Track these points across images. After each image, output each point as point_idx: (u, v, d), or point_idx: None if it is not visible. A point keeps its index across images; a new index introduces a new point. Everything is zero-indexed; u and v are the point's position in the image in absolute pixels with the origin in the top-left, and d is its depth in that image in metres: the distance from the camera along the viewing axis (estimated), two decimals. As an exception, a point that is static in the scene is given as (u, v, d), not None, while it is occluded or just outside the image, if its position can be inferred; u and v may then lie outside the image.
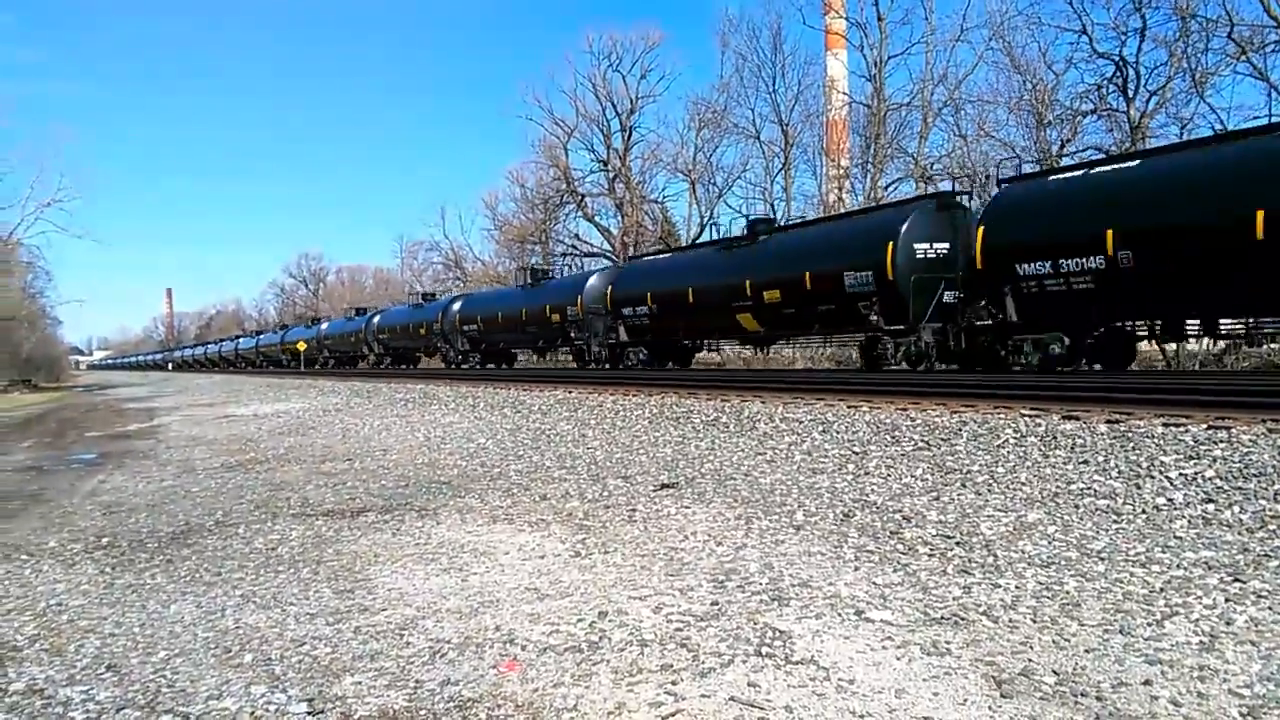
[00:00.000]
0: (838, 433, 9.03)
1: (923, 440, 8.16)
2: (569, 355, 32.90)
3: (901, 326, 17.64)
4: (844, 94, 42.08)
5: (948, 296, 17.13)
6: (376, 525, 6.44)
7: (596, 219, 52.96)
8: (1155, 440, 6.91)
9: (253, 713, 3.14)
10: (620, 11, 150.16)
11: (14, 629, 4.28)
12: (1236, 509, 5.33)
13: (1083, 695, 3.01)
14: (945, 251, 17.31)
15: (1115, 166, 14.87)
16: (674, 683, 3.25)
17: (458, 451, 10.64)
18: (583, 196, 52.55)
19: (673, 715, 3.01)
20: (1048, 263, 14.55)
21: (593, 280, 28.70)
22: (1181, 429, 7.15)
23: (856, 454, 8.05)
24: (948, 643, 3.54)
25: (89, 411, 27.11)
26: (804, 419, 10.00)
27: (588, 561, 5.09)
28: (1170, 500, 5.64)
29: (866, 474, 7.28)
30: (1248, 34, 25.14)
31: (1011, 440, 7.64)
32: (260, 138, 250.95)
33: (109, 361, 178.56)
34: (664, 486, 7.35)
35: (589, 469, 8.53)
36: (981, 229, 15.79)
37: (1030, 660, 3.33)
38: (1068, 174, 15.75)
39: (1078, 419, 8.03)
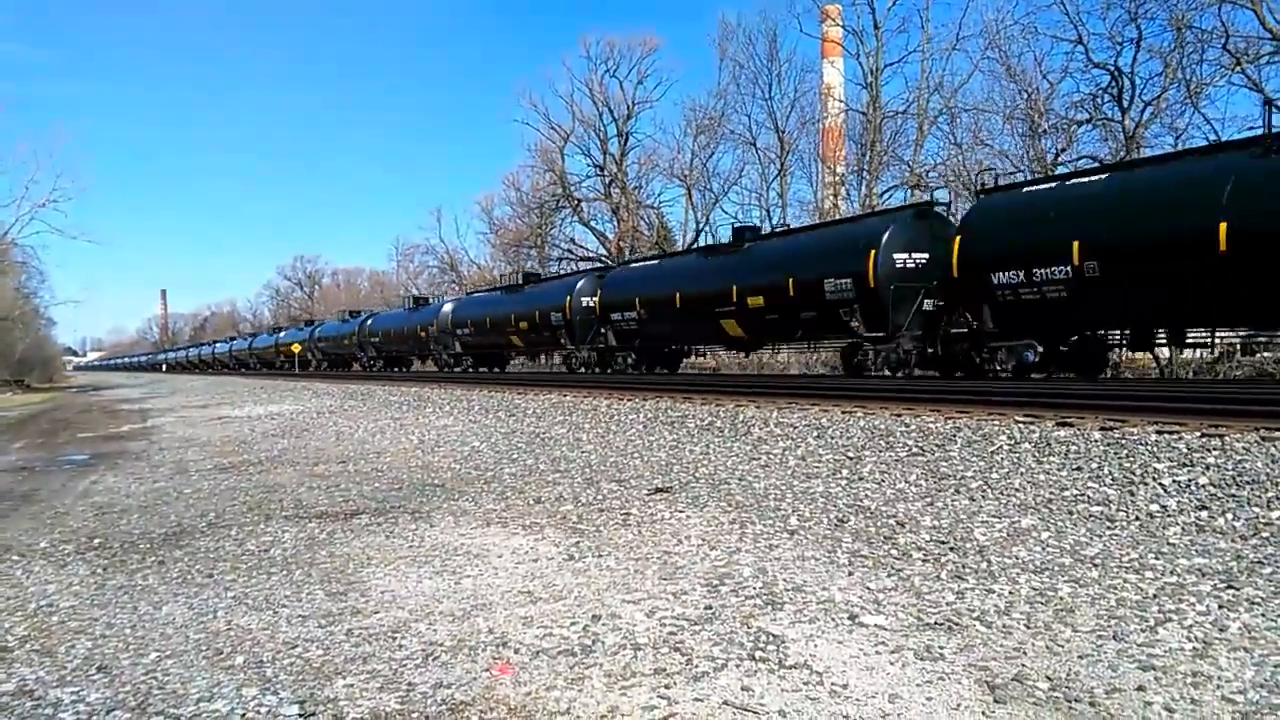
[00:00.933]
0: (832, 438, 9.03)
1: (917, 446, 8.16)
2: (559, 360, 32.83)
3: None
4: (840, 101, 42.22)
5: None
6: (370, 528, 6.42)
7: (592, 224, 53.02)
8: (1149, 447, 6.92)
9: (244, 715, 3.12)
10: (618, 17, 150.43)
11: (4, 630, 4.26)
12: (1230, 516, 5.34)
13: (1076, 701, 3.01)
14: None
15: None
16: (667, 686, 3.24)
17: (451, 454, 10.62)
18: (579, 201, 52.59)
19: (666, 719, 3.00)
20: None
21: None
22: (1175, 436, 7.16)
23: (851, 459, 8.05)
24: (941, 648, 3.53)
25: (82, 412, 27.03)
26: (798, 424, 10.00)
27: (581, 565, 5.08)
28: (1164, 507, 5.65)
29: (861, 479, 7.28)
30: (1243, 45, 25.24)
31: (1005, 446, 7.64)
32: (256, 140, 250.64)
33: (103, 363, 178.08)
34: (658, 490, 7.35)
35: (583, 472, 8.52)
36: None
37: (1024, 666, 3.33)
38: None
39: (1072, 426, 8.05)
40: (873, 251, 17.58)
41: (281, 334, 67.40)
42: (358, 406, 19.76)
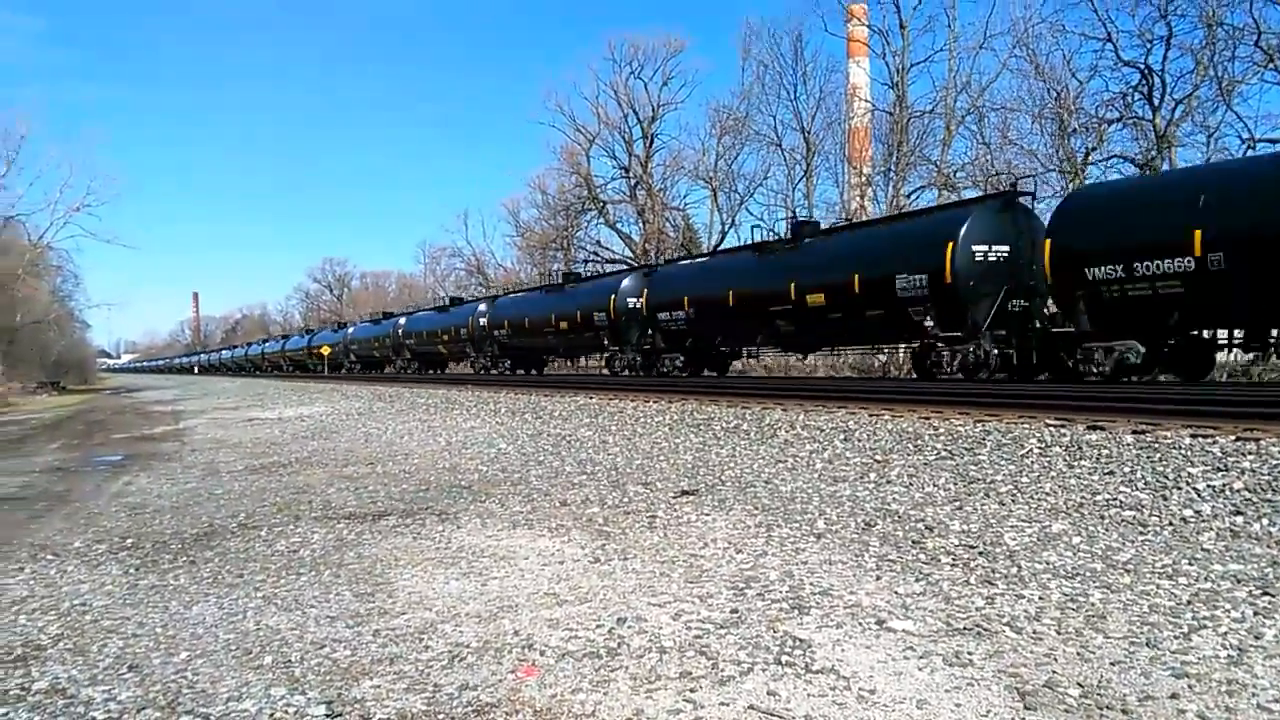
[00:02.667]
0: (859, 441, 8.98)
1: (946, 449, 8.10)
2: (600, 361, 32.43)
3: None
4: (866, 101, 41.99)
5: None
6: (397, 529, 6.45)
7: (618, 226, 53.05)
8: (1182, 451, 6.83)
9: (272, 714, 3.15)
10: (643, 18, 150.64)
11: (38, 628, 4.32)
12: (1265, 521, 5.25)
13: (1108, 708, 2.97)
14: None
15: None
16: (693, 690, 3.23)
17: (479, 456, 10.66)
18: (604, 203, 52.67)
19: (691, 723, 2.99)
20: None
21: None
22: (1209, 440, 7.05)
23: (878, 462, 8.00)
24: (970, 653, 3.50)
25: (115, 414, 27.40)
26: (825, 426, 9.95)
27: (607, 567, 5.08)
28: (1198, 512, 5.57)
29: (888, 483, 7.23)
30: (1275, 42, 24.87)
31: (1036, 450, 7.56)
32: (286, 144, 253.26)
33: (136, 365, 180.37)
34: (684, 493, 7.34)
35: (609, 475, 8.52)
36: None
37: (1054, 672, 3.29)
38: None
39: (1103, 429, 7.95)
40: (950, 245, 16.38)
41: (313, 336, 67.36)
42: (386, 409, 19.89)
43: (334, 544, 6.02)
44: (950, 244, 16.48)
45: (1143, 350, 14.28)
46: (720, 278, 23.62)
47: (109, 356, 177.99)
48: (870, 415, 10.39)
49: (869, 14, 41.01)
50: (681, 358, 25.55)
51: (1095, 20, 29.19)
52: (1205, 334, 14.86)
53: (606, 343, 28.58)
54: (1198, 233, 12.80)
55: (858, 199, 40.06)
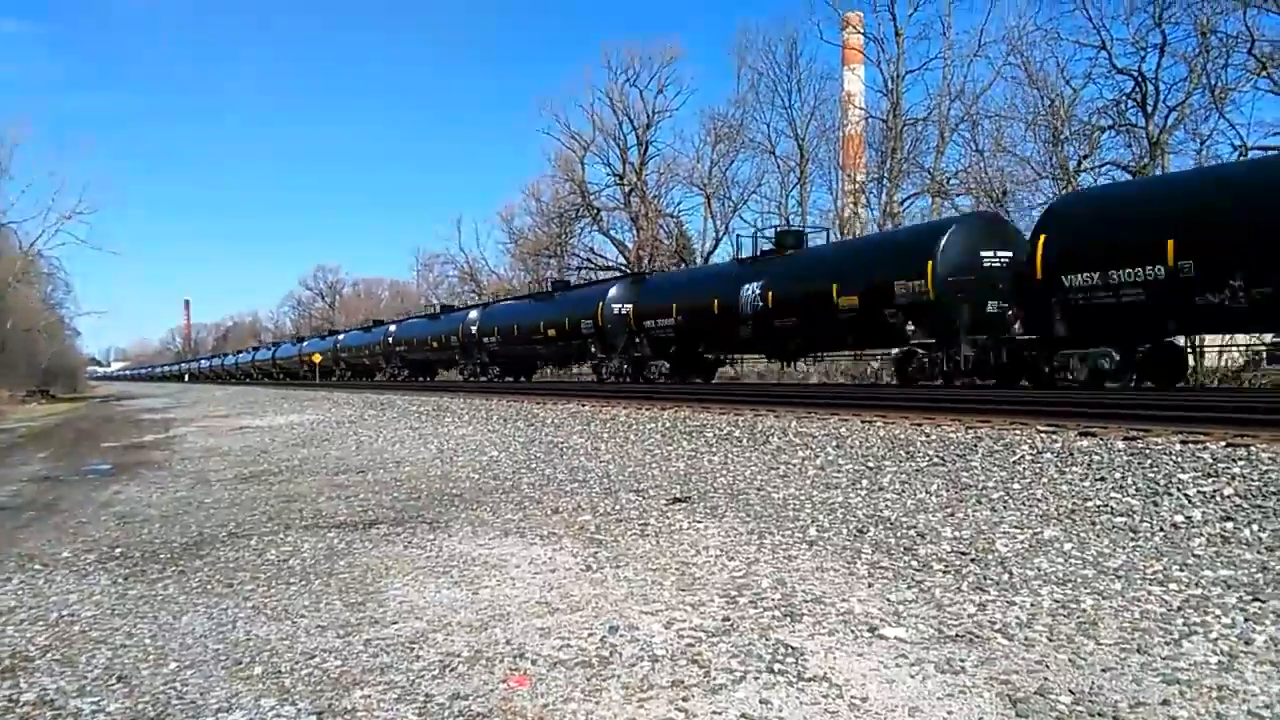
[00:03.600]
0: (851, 448, 8.99)
1: (937, 456, 8.11)
2: (588, 369, 32.66)
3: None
4: (860, 109, 42.13)
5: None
6: (388, 537, 6.43)
7: (612, 233, 53.10)
8: (1173, 457, 6.85)
9: (261, 725, 3.13)
10: (638, 27, 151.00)
11: (26, 639, 4.29)
12: (1256, 527, 5.27)
13: (1099, 715, 2.97)
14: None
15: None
16: (685, 699, 3.23)
17: (470, 464, 10.64)
18: (598, 210, 52.71)
19: (683, 732, 2.98)
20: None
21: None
22: (1200, 446, 7.07)
23: (870, 469, 8.00)
24: (962, 661, 3.50)
25: (105, 422, 27.28)
26: (817, 434, 9.96)
27: (599, 575, 5.07)
28: (1188, 518, 5.58)
29: (880, 489, 7.23)
30: (1268, 50, 25.02)
31: (1028, 456, 7.58)
32: (278, 151, 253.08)
33: (127, 372, 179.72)
34: (676, 500, 7.33)
35: (601, 482, 8.51)
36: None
37: (1046, 679, 3.29)
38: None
39: (1095, 435, 7.97)
40: (930, 258, 17.16)
41: (304, 344, 67.25)
42: (377, 416, 19.85)
43: (324, 553, 5.99)
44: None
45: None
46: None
47: (99, 364, 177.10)
48: (862, 422, 10.40)
49: (864, 22, 41.22)
50: (668, 365, 26.36)
51: (1089, 28, 29.37)
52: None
53: (594, 350, 28.86)
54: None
55: (851, 206, 40.19)
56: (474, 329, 37.23)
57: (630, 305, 27.04)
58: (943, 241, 17.30)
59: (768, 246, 23.51)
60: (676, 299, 25.28)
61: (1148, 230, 13.82)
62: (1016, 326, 16.27)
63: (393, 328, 49.12)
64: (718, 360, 27.57)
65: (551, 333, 30.67)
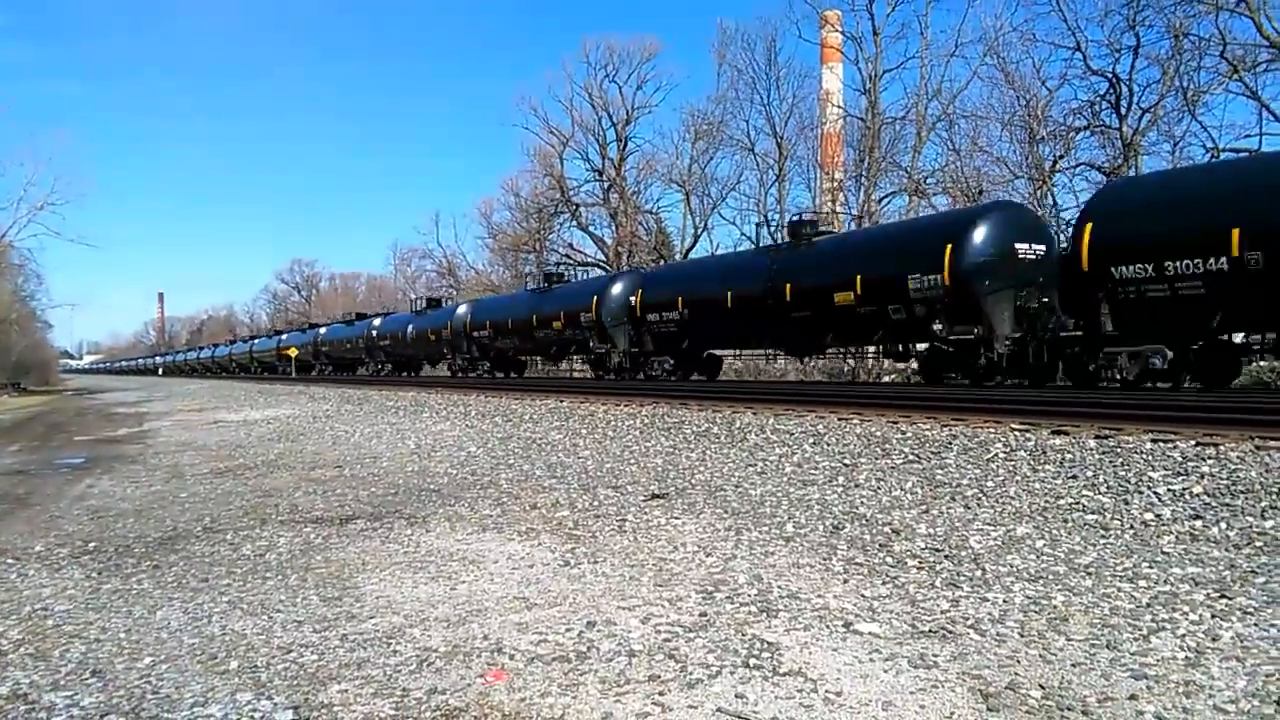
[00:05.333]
0: (828, 445, 9.04)
1: (913, 453, 8.18)
2: (584, 364, 32.44)
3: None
4: (839, 107, 42.27)
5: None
6: (365, 533, 6.42)
7: (591, 229, 53.06)
8: (1144, 456, 6.94)
9: (238, 719, 3.13)
10: (618, 22, 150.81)
11: (-1, 633, 4.26)
12: (1224, 525, 5.35)
13: (1068, 709, 3.02)
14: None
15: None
16: (661, 693, 3.25)
17: (448, 459, 10.62)
18: (577, 206, 52.65)
19: (659, 726, 3.00)
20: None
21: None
22: (1170, 445, 7.17)
23: (847, 466, 8.06)
24: (935, 655, 3.54)
25: (78, 416, 27.00)
26: (795, 431, 10.02)
27: (577, 571, 5.09)
28: (1158, 516, 5.66)
29: (856, 486, 7.29)
30: (1240, 53, 25.34)
31: (1001, 454, 7.66)
32: (254, 143, 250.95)
33: (99, 366, 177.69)
34: (654, 497, 7.35)
35: (579, 478, 8.53)
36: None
37: (1017, 674, 3.34)
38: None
39: (1067, 434, 8.06)
40: (951, 244, 16.28)
41: (283, 337, 66.00)
42: (355, 411, 19.76)
43: (301, 548, 5.97)
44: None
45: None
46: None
47: (71, 357, 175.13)
48: (839, 419, 10.46)
49: (843, 20, 41.35)
50: (671, 360, 25.01)
51: (1065, 29, 29.62)
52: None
53: (592, 345, 27.98)
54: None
55: (829, 204, 40.32)
56: (464, 323, 36.35)
57: (636, 297, 25.49)
58: (972, 229, 16.50)
59: (767, 241, 22.94)
60: (683, 292, 23.82)
61: (1210, 217, 12.80)
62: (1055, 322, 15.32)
63: (376, 321, 48.12)
64: (719, 358, 27.09)
65: (554, 324, 29.47)
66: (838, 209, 39.98)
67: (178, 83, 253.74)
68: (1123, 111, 28.15)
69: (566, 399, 16.72)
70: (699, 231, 47.46)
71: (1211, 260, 12.59)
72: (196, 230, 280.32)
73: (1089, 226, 14.51)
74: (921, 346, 19.00)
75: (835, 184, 40.75)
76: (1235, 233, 12.23)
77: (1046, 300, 15.57)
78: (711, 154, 47.25)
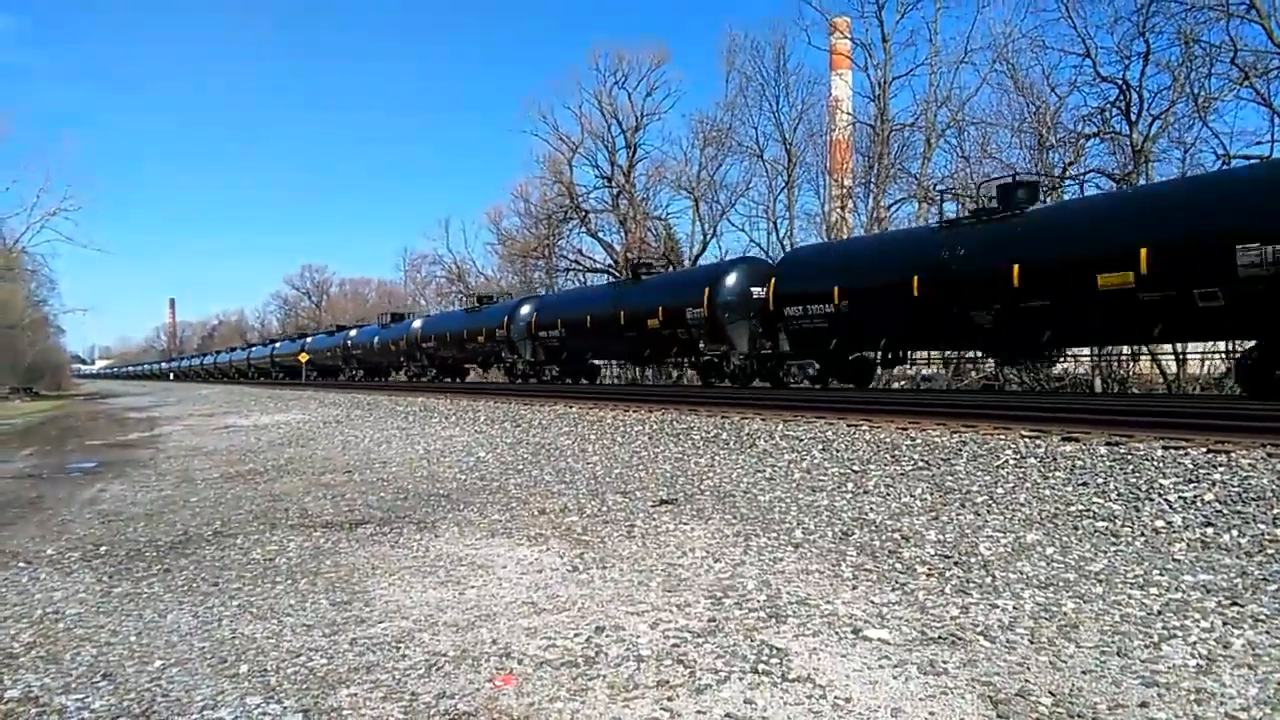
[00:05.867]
0: (837, 451, 9.03)
1: (922, 460, 8.16)
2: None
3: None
4: (848, 114, 42.21)
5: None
6: (375, 537, 6.43)
7: (600, 235, 53.08)
8: (1155, 463, 6.91)
9: (248, 723, 3.13)
10: (627, 29, 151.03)
11: (10, 636, 4.28)
12: (1235, 533, 5.33)
13: (1079, 717, 3.01)
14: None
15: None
16: (670, 699, 3.25)
17: (457, 465, 10.63)
18: (586, 213, 52.67)
19: (668, 731, 3.00)
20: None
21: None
22: (1181, 452, 7.14)
23: (856, 472, 8.04)
24: (945, 662, 3.53)
25: (89, 420, 27.12)
26: (803, 437, 10.00)
27: (585, 576, 5.09)
28: (1169, 523, 5.64)
29: (865, 493, 7.28)
30: (1251, 60, 25.21)
31: (1011, 461, 7.63)
32: (265, 150, 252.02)
33: (111, 370, 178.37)
34: (663, 502, 7.35)
35: (588, 484, 8.53)
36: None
37: (1027, 681, 3.32)
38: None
39: (1077, 441, 8.03)
40: (709, 288, 23.33)
41: (308, 340, 63.19)
42: (364, 416, 19.81)
43: (311, 552, 5.99)
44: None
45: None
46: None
47: (83, 362, 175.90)
48: (848, 425, 10.45)
49: (852, 27, 41.33)
50: (816, 366, 21.31)
51: (1074, 36, 29.49)
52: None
53: (702, 345, 24.88)
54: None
55: (838, 211, 40.29)
56: (529, 323, 33.82)
57: (763, 289, 22.51)
58: (723, 277, 23.68)
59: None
60: (839, 278, 19.83)
61: (827, 280, 20.05)
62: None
63: (417, 322, 46.03)
64: (596, 366, 31.27)
65: (650, 322, 26.14)
66: (847, 216, 39.95)
67: (188, 89, 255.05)
68: (1133, 118, 28.04)
69: (576, 405, 16.74)
70: (708, 238, 47.47)
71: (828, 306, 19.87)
72: (208, 236, 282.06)
73: (772, 280, 21.93)
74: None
75: (844, 191, 40.68)
76: (835, 290, 19.58)
77: (761, 328, 22.30)
78: (720, 160, 47.22)
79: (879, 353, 20.63)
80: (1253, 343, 13.89)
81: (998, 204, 17.55)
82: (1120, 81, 28.40)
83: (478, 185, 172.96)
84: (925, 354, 25.55)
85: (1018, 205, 16.92)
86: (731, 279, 23.73)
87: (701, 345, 24.46)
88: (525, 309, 33.39)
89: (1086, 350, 23.53)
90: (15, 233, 54.53)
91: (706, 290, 23.56)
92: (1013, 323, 16.12)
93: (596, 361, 33.87)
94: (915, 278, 17.60)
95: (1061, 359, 22.52)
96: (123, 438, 18.89)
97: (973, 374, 26.30)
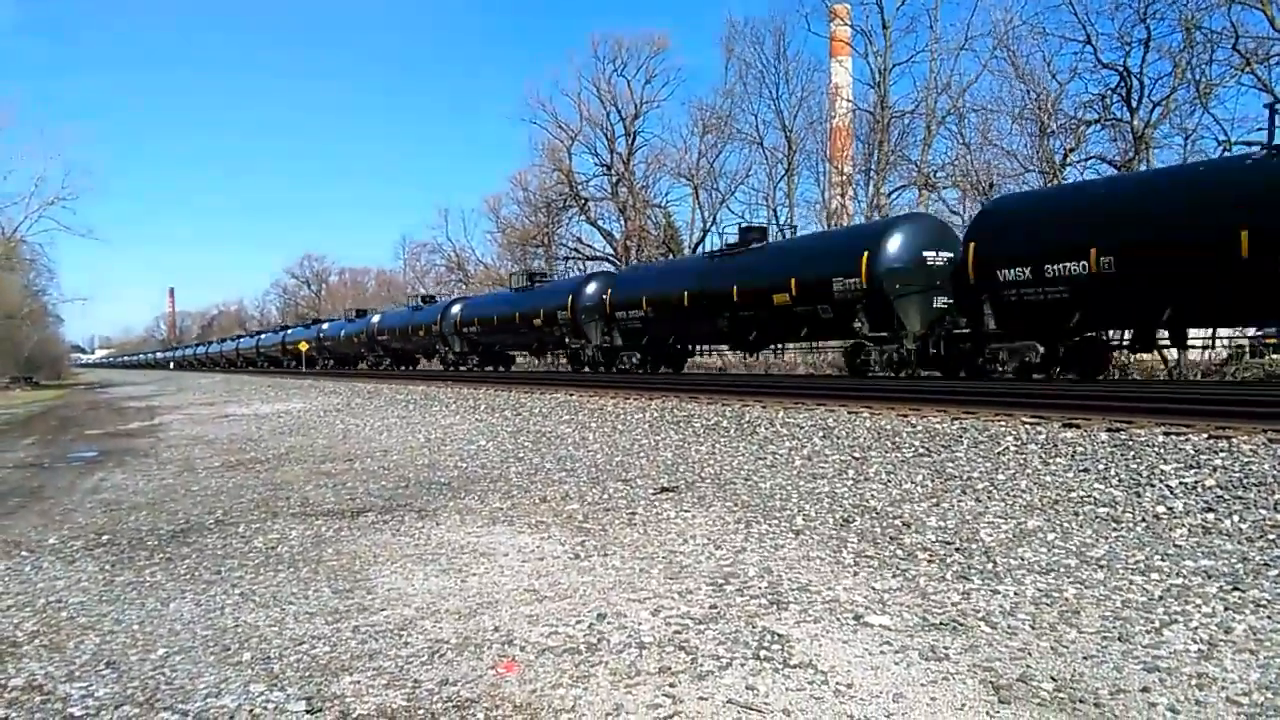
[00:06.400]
0: (838, 438, 9.03)
1: (923, 447, 8.16)
2: (564, 358, 31.01)
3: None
4: (848, 101, 42.12)
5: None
6: (376, 525, 6.44)
7: (599, 223, 53.03)
8: (1156, 449, 6.91)
9: (251, 711, 3.14)
10: (626, 16, 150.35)
11: (14, 625, 4.29)
12: (1236, 518, 5.33)
13: (1080, 702, 3.01)
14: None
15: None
16: (672, 685, 3.25)
17: (458, 453, 10.64)
18: (585, 200, 52.63)
19: (671, 717, 3.01)
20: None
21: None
22: (1182, 438, 7.14)
23: (857, 459, 8.05)
24: (946, 648, 3.54)
25: (90, 410, 27.13)
26: (804, 424, 10.00)
27: (587, 564, 5.10)
28: (1170, 509, 5.64)
29: (867, 480, 7.28)
30: (1252, 46, 25.14)
31: (1012, 448, 7.64)
32: (264, 138, 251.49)
33: (111, 360, 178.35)
34: (664, 490, 7.36)
35: (589, 472, 8.54)
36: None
37: (1028, 666, 3.33)
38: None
39: (1078, 427, 8.03)
40: (868, 252, 18.05)
41: (288, 333, 63.63)
42: (365, 404, 19.81)
43: (312, 541, 6.00)
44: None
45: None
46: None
47: (83, 352, 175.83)
48: (849, 413, 10.45)
49: (852, 14, 41.19)
50: (637, 355, 24.00)
51: (1075, 23, 29.39)
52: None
53: (568, 342, 24.09)
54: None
55: (839, 198, 40.23)
56: (455, 319, 33.49)
57: (605, 298, 22.94)
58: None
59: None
60: (646, 292, 22.86)
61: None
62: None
63: (375, 317, 46.13)
64: (687, 351, 26.34)
65: (527, 324, 25.41)
66: (847, 203, 39.90)
67: (186, 79, 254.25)
68: (1134, 105, 27.96)
69: (576, 393, 16.74)
70: (707, 226, 47.41)
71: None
72: (208, 226, 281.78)
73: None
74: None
75: (844, 178, 40.61)
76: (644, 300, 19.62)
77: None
78: (720, 148, 47.19)
79: (681, 345, 25.37)
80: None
81: (737, 242, 22.94)
82: (1121, 68, 28.32)
83: (477, 174, 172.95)
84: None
85: (744, 244, 22.55)
86: (589, 288, 22.73)
87: (567, 340, 23.07)
88: (593, 285, 28.15)
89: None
90: (14, 222, 54.46)
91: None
92: (735, 326, 21.99)
93: (690, 346, 27.67)
94: (685, 293, 23.49)
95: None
96: (123, 427, 18.90)
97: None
